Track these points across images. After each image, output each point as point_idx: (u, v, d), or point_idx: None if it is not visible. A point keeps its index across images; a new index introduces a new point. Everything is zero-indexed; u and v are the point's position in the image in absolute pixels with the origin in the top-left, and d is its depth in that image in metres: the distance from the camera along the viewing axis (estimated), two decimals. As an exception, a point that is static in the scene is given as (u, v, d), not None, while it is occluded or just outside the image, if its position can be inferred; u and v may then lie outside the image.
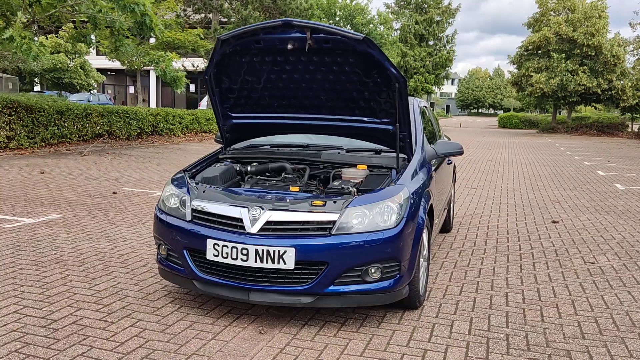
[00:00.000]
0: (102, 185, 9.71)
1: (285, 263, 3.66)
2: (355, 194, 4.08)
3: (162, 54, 16.29)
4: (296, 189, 4.24)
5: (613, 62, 36.16)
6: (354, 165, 4.55)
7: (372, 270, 3.75)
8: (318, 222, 3.74)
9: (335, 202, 3.82)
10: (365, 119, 4.50)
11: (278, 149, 4.95)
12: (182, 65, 23.70)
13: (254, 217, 3.76)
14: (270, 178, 4.65)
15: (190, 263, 3.94)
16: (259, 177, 4.66)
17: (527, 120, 48.25)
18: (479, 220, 7.80)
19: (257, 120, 4.83)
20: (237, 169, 4.72)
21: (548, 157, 19.21)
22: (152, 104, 42.08)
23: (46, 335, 3.59)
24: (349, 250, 3.67)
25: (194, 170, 4.66)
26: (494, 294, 4.71)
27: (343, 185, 4.14)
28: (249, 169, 4.72)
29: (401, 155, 4.56)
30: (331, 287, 3.71)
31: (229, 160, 4.93)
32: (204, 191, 4.10)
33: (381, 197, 3.89)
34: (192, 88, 41.30)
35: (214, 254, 3.79)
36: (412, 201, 4.01)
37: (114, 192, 9.07)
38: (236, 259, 3.71)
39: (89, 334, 3.64)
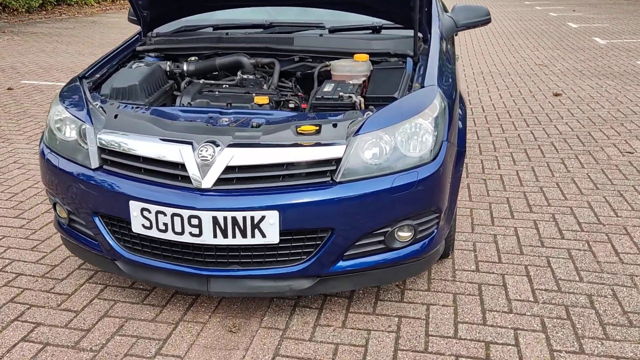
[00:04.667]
0: (-6, 79, 7.71)
1: (264, 236, 2.23)
2: (362, 106, 2.58)
3: None
4: (264, 99, 2.70)
5: None
6: (348, 55, 2.99)
7: (402, 232, 2.38)
8: (312, 164, 2.28)
9: (335, 125, 2.33)
10: None
11: (226, 34, 3.29)
12: None
13: (205, 161, 2.25)
14: (219, 82, 3.05)
15: (107, 236, 2.45)
16: (202, 80, 3.04)
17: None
18: (468, 100, 6.45)
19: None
20: (168, 69, 3.07)
21: (509, 9, 17.68)
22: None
23: None
24: (365, 206, 2.27)
25: (97, 74, 2.99)
26: (537, 218, 3.47)
27: (340, 93, 2.61)
28: (185, 67, 3.08)
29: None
30: (339, 264, 2.34)
31: (152, 54, 3.26)
32: (115, 115, 2.50)
33: (406, 110, 2.43)
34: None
35: (143, 226, 2.31)
36: (449, 111, 2.56)
37: (8, 89, 7.14)
38: (182, 233, 2.25)
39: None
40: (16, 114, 5.98)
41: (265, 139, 2.30)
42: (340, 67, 2.89)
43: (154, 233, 2.30)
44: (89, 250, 2.57)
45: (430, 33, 3.13)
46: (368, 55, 2.92)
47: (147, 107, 2.59)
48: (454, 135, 2.56)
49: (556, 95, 6.57)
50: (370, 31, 3.22)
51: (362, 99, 2.58)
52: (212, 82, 3.03)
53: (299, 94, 2.93)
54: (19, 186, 4.04)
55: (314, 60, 3.09)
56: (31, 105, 6.31)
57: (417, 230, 2.40)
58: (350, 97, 2.58)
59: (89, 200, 2.43)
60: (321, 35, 3.17)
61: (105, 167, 2.43)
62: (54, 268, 2.96)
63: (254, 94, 2.80)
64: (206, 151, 2.26)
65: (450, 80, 2.85)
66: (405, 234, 2.39)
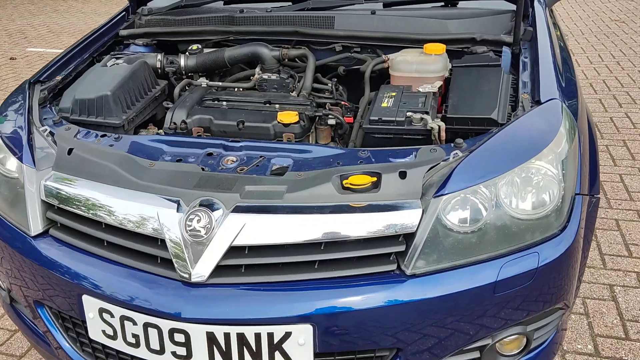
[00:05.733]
0: (-2, 46, 6.95)
1: (289, 362, 1.39)
2: (443, 135, 1.67)
3: None
4: (291, 116, 1.81)
5: None
6: (414, 44, 2.05)
7: (508, 344, 1.51)
8: (367, 242, 1.41)
9: (402, 174, 1.44)
10: None
11: (241, 11, 2.36)
12: None
13: (197, 237, 1.41)
14: (229, 84, 2.16)
15: (58, 337, 1.65)
16: (205, 81, 2.16)
17: None
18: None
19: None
20: (158, 64, 2.18)
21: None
22: None
23: None
24: (454, 314, 1.40)
25: (59, 75, 2.12)
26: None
27: (408, 111, 1.70)
28: (182, 62, 2.18)
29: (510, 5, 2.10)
30: (407, 397, 1.49)
31: (140, 41, 2.37)
32: (69, 150, 1.65)
33: (517, 147, 1.52)
34: None
35: (105, 333, 1.49)
36: (579, 140, 1.64)
37: (11, 58, 6.37)
38: (161, 352, 1.43)
39: None
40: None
41: (293, 199, 1.43)
42: (403, 65, 1.95)
43: (120, 346, 1.48)
44: (35, 340, 1.78)
45: (532, 4, 2.17)
46: (444, 46, 1.98)
47: (117, 135, 1.72)
48: (586, 180, 1.64)
49: (647, 62, 5.45)
50: (441, 4, 2.27)
51: (443, 124, 1.66)
52: (220, 84, 2.15)
53: (343, 102, 2.02)
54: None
55: (363, 49, 2.16)
56: (32, 80, 5.53)
57: (532, 339, 1.52)
58: (422, 119, 1.67)
59: (29, 283, 1.62)
60: (373, 12, 2.22)
61: (51, 232, 1.61)
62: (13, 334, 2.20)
63: (276, 106, 1.92)
64: (198, 220, 1.41)
65: (573, 84, 1.90)
66: (512, 345, 1.52)
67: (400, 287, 1.38)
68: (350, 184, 1.44)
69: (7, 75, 5.75)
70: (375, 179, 1.45)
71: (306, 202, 1.42)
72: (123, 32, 2.37)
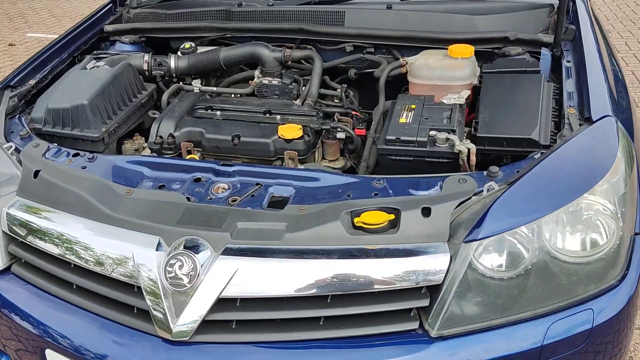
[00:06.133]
0: (-4, 31, 6.72)
1: None
2: (474, 159, 1.41)
3: None
4: (294, 130, 1.56)
5: None
6: (436, 43, 1.78)
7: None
8: (383, 295, 1.17)
9: (426, 211, 1.19)
10: None
11: (239, 4, 2.09)
12: None
13: (179, 287, 1.17)
14: (225, 90, 1.91)
15: (21, 389, 1.43)
16: (198, 86, 1.90)
17: None
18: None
19: None
20: (145, 66, 1.91)
21: None
22: None
23: None
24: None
25: (32, 79, 1.86)
26: None
27: (431, 129, 1.44)
28: (172, 63, 1.92)
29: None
30: None
31: (127, 39, 2.11)
32: (36, 172, 1.42)
33: (564, 179, 1.26)
34: None
35: (71, 396, 1.27)
36: (638, 168, 1.37)
37: (10, 44, 6.14)
38: None
39: None
40: (9, 81, 4.99)
41: (294, 240, 1.18)
42: (424, 70, 1.69)
43: (89, 413, 1.26)
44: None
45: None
46: (473, 47, 1.71)
47: (91, 155, 1.48)
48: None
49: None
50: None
51: (473, 147, 1.40)
52: (214, 89, 1.89)
53: (354, 112, 1.76)
54: None
55: (377, 49, 1.90)
56: (29, 69, 5.30)
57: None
58: (448, 139, 1.41)
59: (-13, 329, 1.39)
60: (389, 6, 1.94)
61: (14, 269, 1.38)
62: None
63: (278, 117, 1.67)
64: (181, 266, 1.17)
65: (624, 93, 1.63)
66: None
67: (423, 351, 1.14)
68: (363, 222, 1.20)
69: (4, 63, 5.53)
70: (392, 216, 1.20)
71: (310, 245, 1.18)
72: (108, 28, 2.12)
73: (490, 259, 1.17)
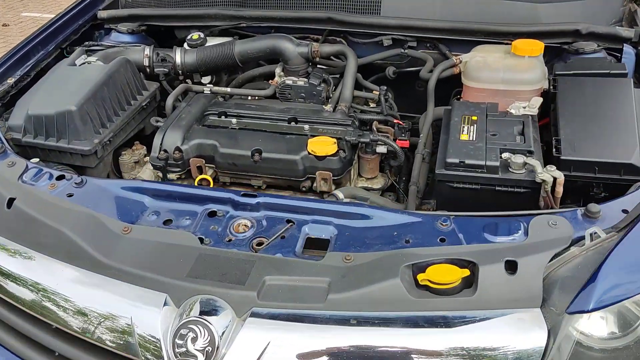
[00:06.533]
0: (-11, 10, 6.41)
1: None
2: (559, 191, 1.12)
3: None
4: (327, 145, 1.28)
5: None
6: (495, 37, 1.49)
7: None
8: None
9: (512, 268, 0.91)
10: None
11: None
12: None
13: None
14: (240, 91, 1.62)
15: None
16: (209, 87, 1.61)
17: None
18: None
19: None
20: (146, 62, 1.61)
21: None
22: None
23: None
24: None
25: (12, 76, 1.57)
26: None
27: (503, 151, 1.16)
28: (178, 58, 1.61)
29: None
30: None
31: (124, 28, 1.80)
32: (10, 201, 1.14)
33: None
34: None
35: None
36: None
37: (3, 25, 5.85)
38: None
39: None
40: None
41: (340, 303, 0.91)
42: (483, 72, 1.40)
43: None
44: None
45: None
46: (542, 44, 1.41)
47: (79, 178, 1.20)
48: None
49: None
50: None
51: (561, 175, 1.12)
52: (228, 90, 1.60)
53: (395, 120, 1.47)
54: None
55: (420, 43, 1.60)
56: (23, 51, 5.00)
57: None
58: (526, 164, 1.13)
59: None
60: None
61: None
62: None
63: (305, 127, 1.38)
64: (194, 339, 0.90)
65: None
66: None
67: None
68: (430, 280, 0.92)
69: (-2, 44, 5.23)
70: (467, 272, 0.93)
71: (362, 311, 0.91)
72: (102, 14, 1.81)
73: (600, 329, 0.90)
